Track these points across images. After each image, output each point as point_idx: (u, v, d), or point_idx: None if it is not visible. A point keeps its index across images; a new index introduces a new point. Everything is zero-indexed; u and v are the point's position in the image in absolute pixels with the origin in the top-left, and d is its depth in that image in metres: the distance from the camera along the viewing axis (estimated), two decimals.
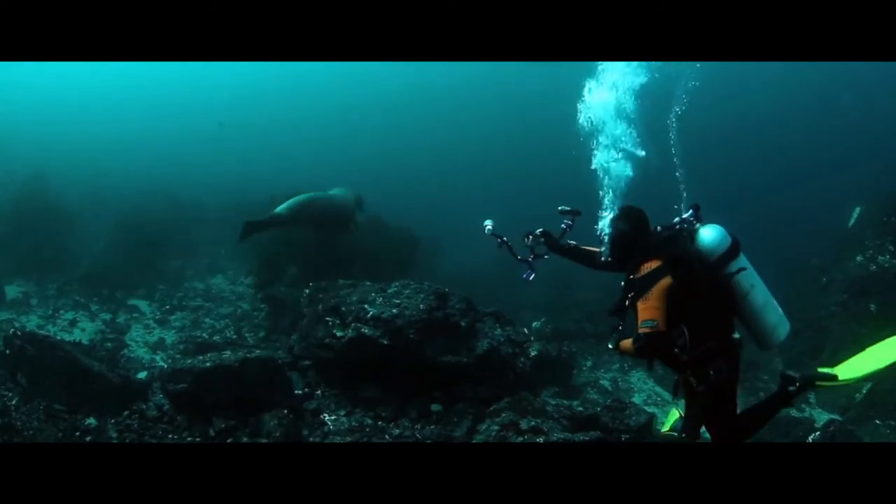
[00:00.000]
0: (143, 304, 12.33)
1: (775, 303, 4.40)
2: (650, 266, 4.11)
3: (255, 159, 30.63)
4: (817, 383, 4.66)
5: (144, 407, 6.46)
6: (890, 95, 32.34)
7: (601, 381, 9.90)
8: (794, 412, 10.77)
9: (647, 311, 4.01)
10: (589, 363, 11.29)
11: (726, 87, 30.49)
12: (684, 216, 4.36)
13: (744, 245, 4.43)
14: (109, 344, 9.98)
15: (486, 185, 30.78)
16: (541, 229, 4.92)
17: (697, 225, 4.29)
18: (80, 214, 15.75)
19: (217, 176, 24.68)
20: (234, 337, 10.37)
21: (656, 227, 4.44)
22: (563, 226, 4.86)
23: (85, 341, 9.87)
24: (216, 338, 10.17)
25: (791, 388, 4.57)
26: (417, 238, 12.10)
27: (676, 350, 4.12)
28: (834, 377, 4.72)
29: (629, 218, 4.43)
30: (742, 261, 4.28)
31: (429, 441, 6.26)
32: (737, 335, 4.34)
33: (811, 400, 11.14)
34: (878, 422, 9.36)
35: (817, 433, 5.06)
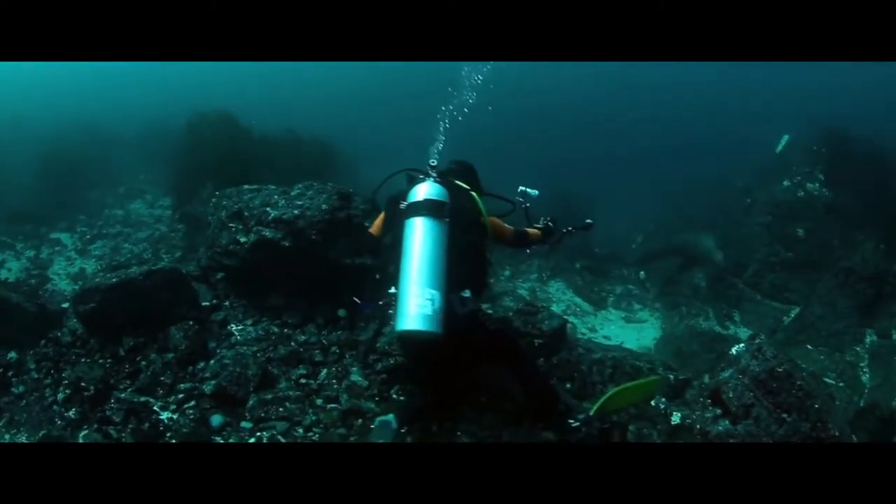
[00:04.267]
0: (65, 237, 12.12)
1: (416, 289, 4.12)
2: None
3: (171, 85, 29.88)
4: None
5: (59, 334, 6.29)
6: None
7: (518, 291, 9.91)
8: (718, 328, 11.02)
9: None
10: (507, 272, 11.36)
11: None
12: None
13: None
14: (34, 280, 9.84)
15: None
16: None
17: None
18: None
19: (133, 101, 24.08)
20: (151, 258, 10.14)
21: None
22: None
23: (11, 280, 9.73)
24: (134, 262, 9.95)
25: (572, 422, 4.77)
26: (333, 152, 11.81)
27: None
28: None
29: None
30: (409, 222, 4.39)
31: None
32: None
33: (736, 318, 11.38)
34: (809, 347, 9.63)
35: (741, 345, 5.05)
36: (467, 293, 4.43)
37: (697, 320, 11.17)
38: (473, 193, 4.85)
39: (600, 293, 12.09)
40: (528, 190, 5.42)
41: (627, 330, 10.89)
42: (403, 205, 4.49)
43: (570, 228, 5.62)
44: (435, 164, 4.81)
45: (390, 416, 4.72)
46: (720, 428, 4.45)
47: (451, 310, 4.24)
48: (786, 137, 14.74)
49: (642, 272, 13.44)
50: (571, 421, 4.75)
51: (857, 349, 9.49)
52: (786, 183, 12.96)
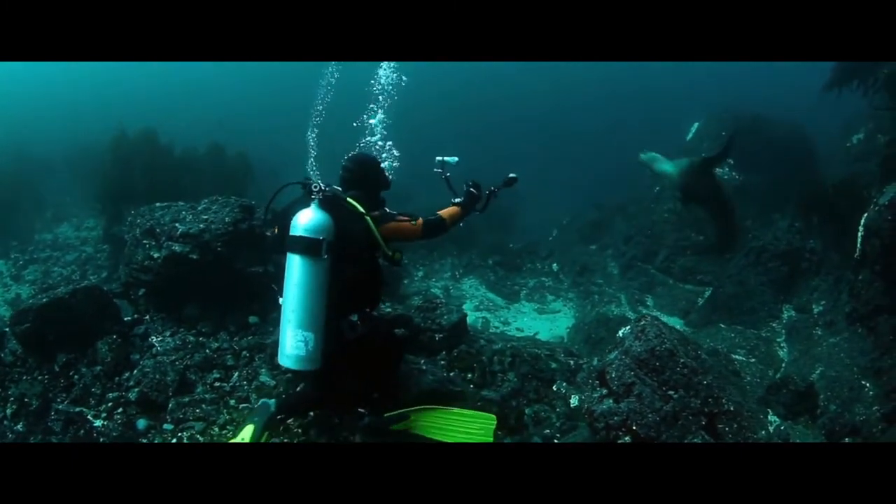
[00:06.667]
0: (0, 264, 12.33)
1: (291, 331, 4.32)
2: None
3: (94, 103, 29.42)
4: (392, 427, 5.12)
5: (2, 355, 6.65)
6: None
7: (432, 290, 10.16)
8: (630, 314, 11.23)
9: None
10: (420, 273, 11.63)
11: None
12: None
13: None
14: None
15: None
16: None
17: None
18: None
19: (61, 123, 23.81)
20: (79, 280, 10.39)
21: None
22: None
23: None
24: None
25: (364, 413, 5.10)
26: (251, 165, 12.10)
27: None
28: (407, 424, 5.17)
29: None
30: (289, 257, 4.39)
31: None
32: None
33: (649, 303, 11.61)
34: (722, 325, 9.70)
35: (627, 327, 5.25)
36: (355, 317, 4.63)
37: (610, 307, 11.28)
38: (367, 217, 4.57)
39: (513, 287, 12.29)
40: (446, 158, 5.33)
41: (540, 321, 11.05)
42: (288, 228, 4.41)
43: (493, 188, 5.45)
44: (317, 186, 4.43)
45: (272, 401, 5.00)
46: (604, 406, 4.61)
47: (338, 336, 4.52)
48: (696, 125, 15.23)
49: (555, 264, 13.65)
50: (363, 411, 5.09)
51: (774, 325, 9.45)
52: None
